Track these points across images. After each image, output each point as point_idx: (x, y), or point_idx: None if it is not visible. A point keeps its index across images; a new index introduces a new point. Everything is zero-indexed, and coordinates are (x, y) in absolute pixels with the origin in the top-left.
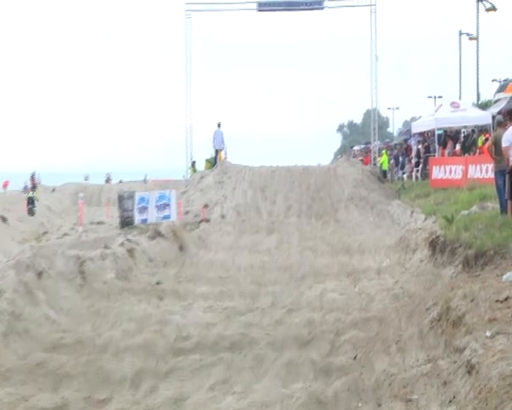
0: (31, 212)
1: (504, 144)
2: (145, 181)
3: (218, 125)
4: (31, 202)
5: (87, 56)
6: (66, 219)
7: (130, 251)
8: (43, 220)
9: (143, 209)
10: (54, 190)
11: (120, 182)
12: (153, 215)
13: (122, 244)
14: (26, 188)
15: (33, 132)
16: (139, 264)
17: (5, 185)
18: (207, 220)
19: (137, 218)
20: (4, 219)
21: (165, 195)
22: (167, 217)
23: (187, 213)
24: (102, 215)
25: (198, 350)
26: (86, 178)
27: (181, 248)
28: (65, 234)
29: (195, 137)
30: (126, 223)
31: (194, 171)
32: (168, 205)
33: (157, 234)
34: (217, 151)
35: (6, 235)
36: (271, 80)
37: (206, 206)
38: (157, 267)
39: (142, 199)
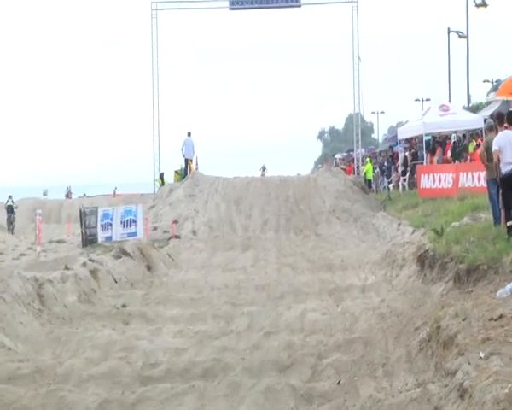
0: (10, 225)
1: (494, 147)
2: (115, 195)
3: (188, 134)
4: (10, 210)
5: (45, 62)
6: (22, 237)
7: (94, 272)
8: None
9: (107, 226)
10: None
11: (84, 196)
12: (118, 232)
13: (84, 264)
14: None
15: None
16: (103, 286)
17: None
18: (177, 237)
19: (101, 235)
20: None
21: (131, 210)
22: (133, 234)
23: (155, 229)
24: (63, 233)
25: (168, 378)
26: (45, 194)
27: (149, 268)
28: (21, 254)
29: (164, 147)
30: (89, 241)
31: (163, 183)
32: (134, 221)
33: (122, 253)
34: (187, 161)
35: None
36: (245, 85)
37: (175, 221)
38: (123, 289)
39: (105, 215)
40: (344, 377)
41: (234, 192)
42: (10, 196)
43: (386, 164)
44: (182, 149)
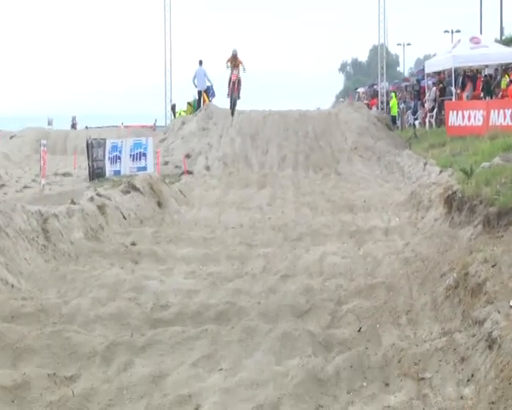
0: None
1: None
2: (154, 128)
3: (200, 63)
4: None
5: None
6: (26, 169)
7: (101, 207)
8: None
9: (116, 159)
10: (12, 136)
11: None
12: (127, 166)
13: (91, 199)
14: None
15: None
16: (111, 222)
17: None
18: (190, 172)
19: (109, 169)
20: None
21: (140, 143)
22: (143, 168)
23: (166, 163)
24: (68, 166)
25: (179, 321)
26: (49, 123)
27: (159, 205)
28: (25, 187)
29: (176, 78)
30: (96, 175)
31: (174, 115)
32: (144, 154)
33: (132, 188)
34: (200, 93)
35: None
36: (262, 14)
37: (188, 156)
38: (132, 226)
39: (114, 147)
40: (365, 325)
41: (250, 126)
42: None
43: (412, 100)
44: (193, 81)
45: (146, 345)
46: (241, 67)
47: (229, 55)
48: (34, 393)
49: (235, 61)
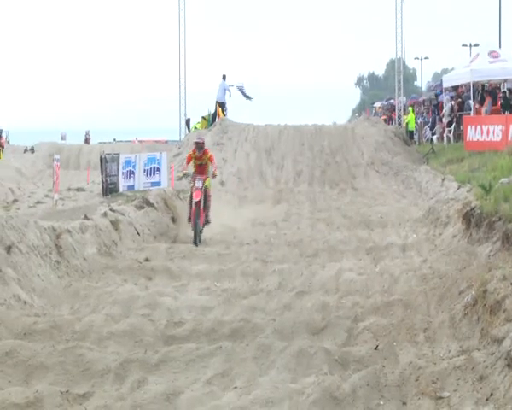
0: None
1: None
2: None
3: (223, 78)
4: None
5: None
6: (39, 184)
7: (115, 223)
8: (12, 186)
9: (129, 174)
10: (25, 150)
11: (114, 141)
12: (140, 181)
13: (105, 215)
14: None
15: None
16: (125, 238)
17: None
18: None
19: (123, 184)
20: None
21: (154, 158)
22: (157, 183)
23: (180, 178)
24: (82, 181)
25: (193, 338)
26: (63, 138)
27: (173, 220)
28: (38, 202)
29: (190, 92)
30: (110, 190)
31: (189, 130)
32: (158, 169)
33: (146, 203)
34: (218, 105)
35: None
36: (279, 27)
37: None
38: (146, 242)
39: (128, 162)
40: (382, 342)
41: (265, 141)
42: None
43: (430, 114)
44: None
45: (160, 362)
46: (210, 167)
47: (193, 145)
48: None
49: (200, 157)
